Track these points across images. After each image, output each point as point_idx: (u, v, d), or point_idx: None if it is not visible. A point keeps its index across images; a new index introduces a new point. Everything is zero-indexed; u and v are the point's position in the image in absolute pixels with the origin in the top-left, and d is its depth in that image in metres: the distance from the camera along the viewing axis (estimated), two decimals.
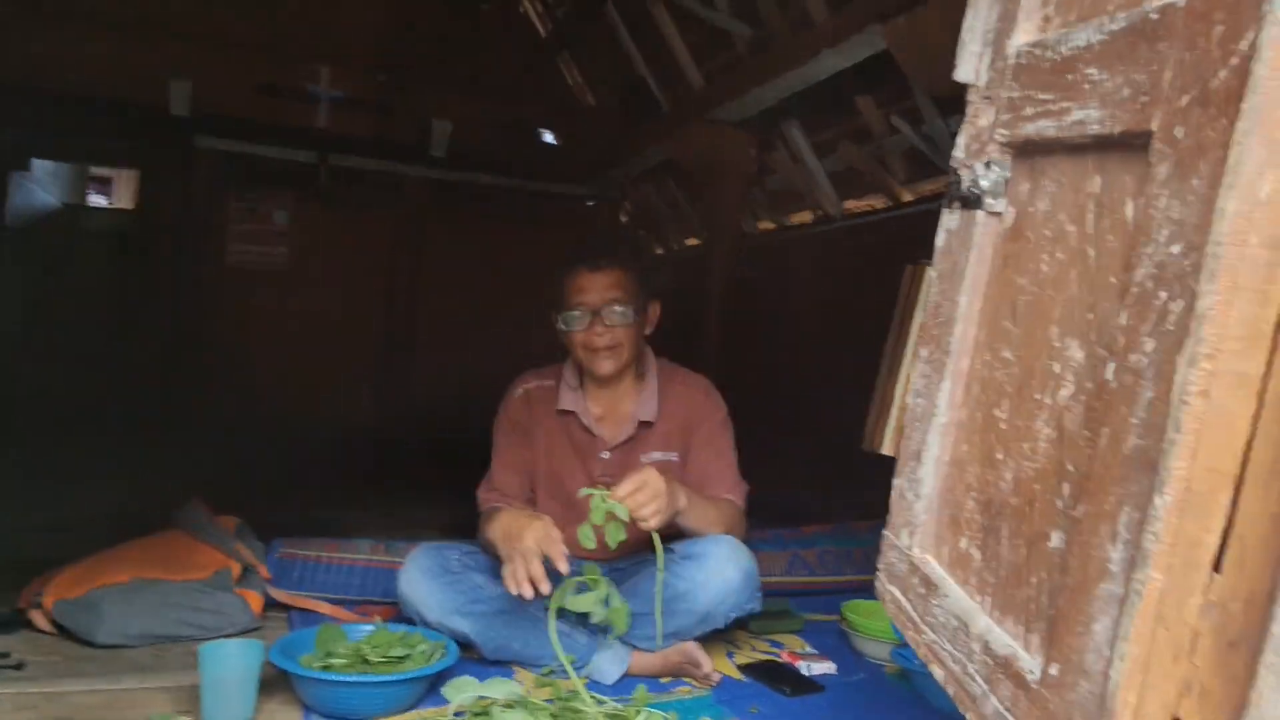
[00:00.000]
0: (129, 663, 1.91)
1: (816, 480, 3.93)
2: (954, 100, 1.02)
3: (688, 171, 5.25)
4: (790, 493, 3.49)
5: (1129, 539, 0.63)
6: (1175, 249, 0.62)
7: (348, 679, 1.62)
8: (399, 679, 1.64)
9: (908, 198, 4.26)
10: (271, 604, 2.22)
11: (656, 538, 1.75)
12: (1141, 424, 0.63)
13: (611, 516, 1.70)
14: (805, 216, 5.26)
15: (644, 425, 2.14)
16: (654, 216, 6.68)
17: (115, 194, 9.82)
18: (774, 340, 5.07)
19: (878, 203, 4.53)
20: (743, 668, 2.02)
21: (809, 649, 2.16)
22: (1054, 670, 0.70)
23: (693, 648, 1.92)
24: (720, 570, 1.87)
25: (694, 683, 1.92)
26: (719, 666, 1.98)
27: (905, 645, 1.93)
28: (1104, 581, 0.65)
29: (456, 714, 1.54)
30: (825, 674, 2.01)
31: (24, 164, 6.20)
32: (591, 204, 6.66)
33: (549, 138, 6.43)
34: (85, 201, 8.89)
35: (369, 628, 1.85)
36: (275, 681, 1.74)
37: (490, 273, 6.11)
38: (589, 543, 1.74)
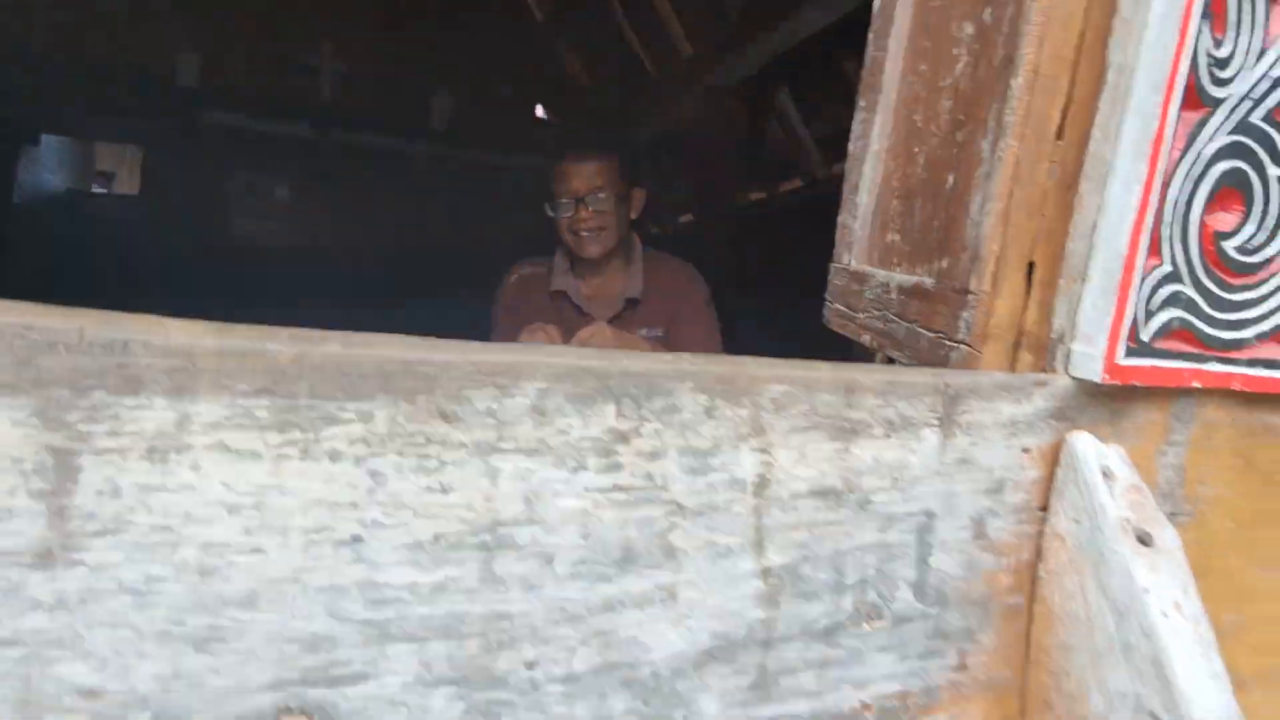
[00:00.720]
0: None
1: None
2: None
3: (681, 141, 5.45)
4: None
5: (994, 125, 0.81)
6: None
7: None
8: None
9: None
10: None
11: None
12: (1005, 37, 0.81)
13: None
14: (795, 184, 5.46)
15: (631, 303, 2.31)
16: (650, 191, 6.86)
17: (118, 185, 10.01)
18: (767, 304, 5.24)
19: None
20: None
21: None
22: (944, 263, 0.88)
23: None
24: None
25: None
26: None
27: None
28: (977, 169, 0.83)
29: None
30: None
31: (34, 138, 6.37)
32: None
33: (542, 114, 6.63)
34: (90, 188, 9.03)
35: None
36: None
37: (487, 246, 6.28)
38: None
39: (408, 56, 6.20)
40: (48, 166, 6.81)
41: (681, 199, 6.54)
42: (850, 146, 1.20)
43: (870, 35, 1.18)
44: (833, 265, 1.22)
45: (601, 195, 2.22)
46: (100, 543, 0.53)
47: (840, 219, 1.21)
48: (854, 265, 1.15)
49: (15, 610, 0.52)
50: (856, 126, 1.18)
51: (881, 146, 1.13)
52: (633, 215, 2.34)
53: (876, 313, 1.04)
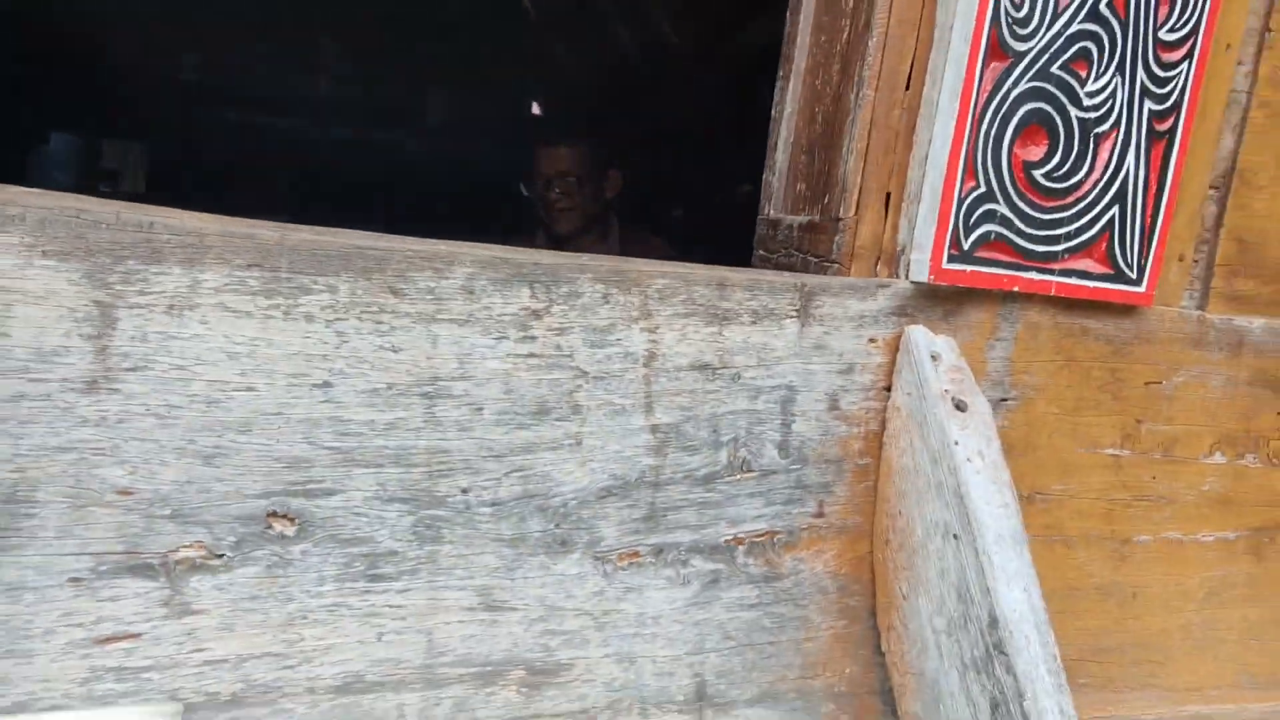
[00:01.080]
0: None
1: None
2: None
3: (670, 135, 5.62)
4: None
5: (858, 79, 0.99)
6: None
7: None
8: None
9: None
10: None
11: None
12: (866, 4, 0.99)
13: None
14: None
15: None
16: (645, 188, 7.03)
17: (124, 184, 10.21)
18: None
19: None
20: None
21: None
22: (827, 199, 1.05)
23: None
24: None
25: None
26: None
27: None
28: (847, 117, 1.01)
29: None
30: None
31: (44, 137, 6.56)
32: None
33: (536, 109, 6.81)
34: (97, 187, 9.21)
35: None
36: None
37: (482, 238, 6.47)
38: None
39: (404, 53, 6.38)
40: (56, 165, 6.99)
41: (672, 193, 6.71)
42: (772, 111, 1.37)
43: (788, 12, 1.36)
44: (758, 218, 1.40)
45: (571, 179, 2.40)
46: (132, 376, 0.70)
47: (764, 176, 1.39)
48: (772, 214, 1.32)
49: (69, 424, 0.69)
50: (776, 94, 1.36)
51: (794, 109, 1.30)
52: (609, 195, 2.51)
53: (784, 251, 1.21)
